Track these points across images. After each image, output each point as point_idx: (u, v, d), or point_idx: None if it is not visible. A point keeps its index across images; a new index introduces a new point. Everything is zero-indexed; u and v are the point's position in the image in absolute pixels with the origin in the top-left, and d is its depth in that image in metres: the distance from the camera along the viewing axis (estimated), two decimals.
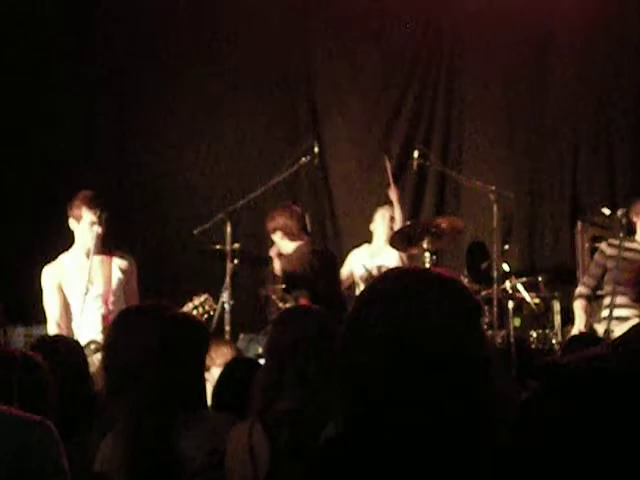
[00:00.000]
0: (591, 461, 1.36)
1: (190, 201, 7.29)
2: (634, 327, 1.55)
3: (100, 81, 7.95)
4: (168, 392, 2.68)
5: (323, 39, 8.36)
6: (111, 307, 5.54)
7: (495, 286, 6.60)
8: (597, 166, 7.89)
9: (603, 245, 6.32)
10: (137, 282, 5.73)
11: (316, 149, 7.27)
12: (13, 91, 7.69)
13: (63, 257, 5.65)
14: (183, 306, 5.34)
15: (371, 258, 7.22)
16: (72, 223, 5.58)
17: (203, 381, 2.84)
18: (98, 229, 5.50)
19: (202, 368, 2.84)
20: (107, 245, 5.63)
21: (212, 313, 5.54)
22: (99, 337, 5.34)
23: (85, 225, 5.52)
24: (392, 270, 1.86)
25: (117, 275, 5.61)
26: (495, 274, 6.63)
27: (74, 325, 5.54)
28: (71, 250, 5.65)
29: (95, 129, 8.00)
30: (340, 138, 8.30)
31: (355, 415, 1.63)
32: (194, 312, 5.31)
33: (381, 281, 1.71)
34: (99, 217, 5.49)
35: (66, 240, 5.67)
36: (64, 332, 5.41)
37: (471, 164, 7.98)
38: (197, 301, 5.46)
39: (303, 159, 7.24)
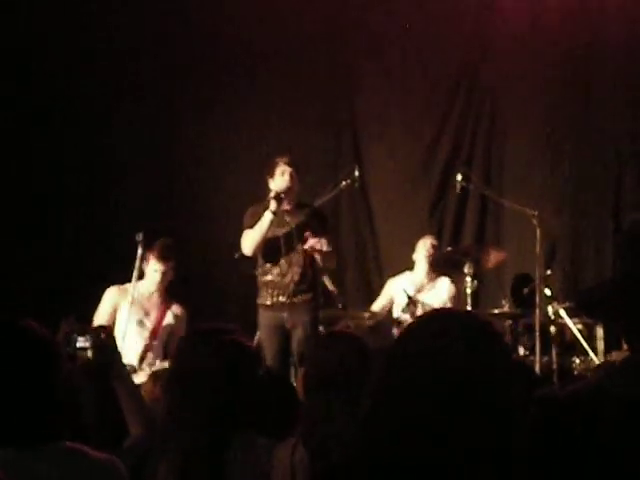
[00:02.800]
0: None
1: (231, 225, 7.29)
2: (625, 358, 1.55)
3: (148, 116, 8.02)
4: (224, 414, 2.72)
5: (364, 62, 8.38)
6: (155, 342, 5.95)
7: (537, 311, 6.54)
8: None
9: None
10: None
11: (357, 173, 7.27)
12: (60, 111, 7.78)
13: (128, 285, 6.04)
14: None
15: (414, 288, 7.16)
16: (144, 263, 6.05)
17: (254, 405, 2.86)
18: (157, 277, 6.02)
19: (255, 392, 2.85)
20: (169, 291, 6.13)
21: None
22: (135, 362, 5.80)
23: (150, 270, 6.04)
24: (447, 319, 1.74)
25: (169, 320, 6.04)
26: (537, 299, 6.57)
27: None
28: (139, 283, 6.07)
29: (142, 154, 8.06)
30: (381, 162, 8.30)
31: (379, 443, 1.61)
32: None
33: (438, 331, 1.64)
34: (163, 268, 6.01)
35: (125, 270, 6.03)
36: None
37: (513, 188, 7.93)
38: None
39: (344, 183, 7.24)
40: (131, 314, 5.90)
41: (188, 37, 8.12)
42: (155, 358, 5.84)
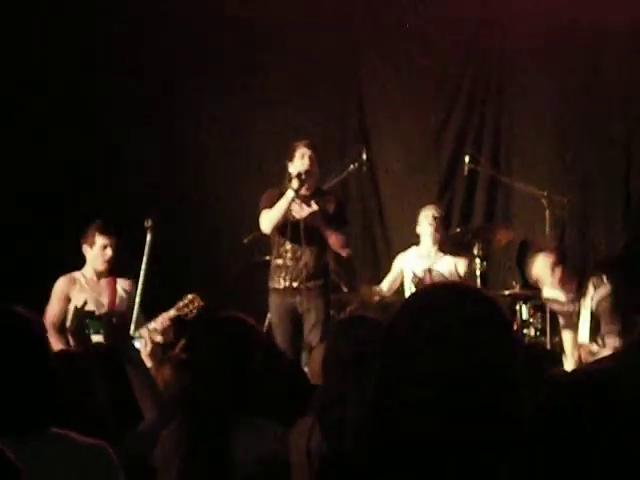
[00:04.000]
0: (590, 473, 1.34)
1: (240, 210, 7.30)
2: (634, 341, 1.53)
3: (148, 97, 7.99)
4: (229, 397, 2.77)
5: (372, 47, 8.35)
6: None
7: None
8: None
9: None
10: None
11: (364, 156, 7.26)
12: (56, 106, 7.77)
13: (76, 274, 6.24)
14: (171, 309, 5.70)
15: (420, 261, 7.12)
16: (85, 249, 6.22)
17: (261, 388, 2.89)
18: (109, 252, 6.15)
19: (261, 375, 2.89)
20: (113, 268, 6.25)
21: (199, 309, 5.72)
22: None
23: (97, 249, 6.17)
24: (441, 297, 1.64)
25: (121, 295, 6.17)
26: None
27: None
28: (83, 270, 6.26)
29: (144, 141, 8.04)
30: (389, 145, 8.28)
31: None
32: (182, 312, 5.69)
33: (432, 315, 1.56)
34: (111, 242, 6.15)
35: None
36: (55, 336, 5.85)
37: (522, 169, 7.91)
38: (186, 300, 5.75)
39: (351, 166, 7.24)
40: (88, 302, 5.97)
41: (189, 24, 8.11)
42: None
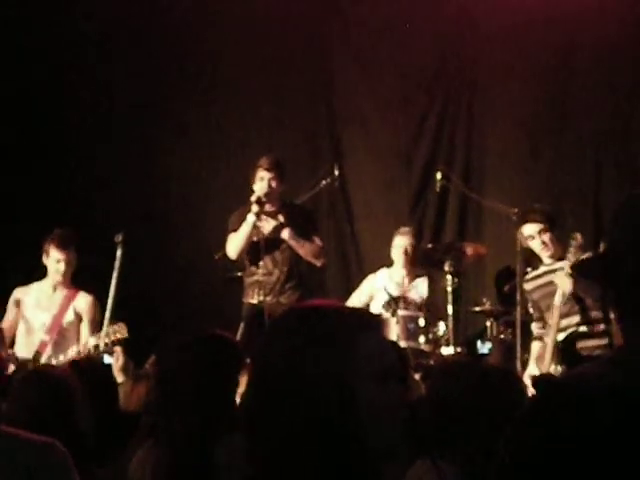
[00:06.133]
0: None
1: (211, 226, 7.28)
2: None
3: (122, 113, 7.98)
4: (213, 413, 2.78)
5: (343, 63, 8.37)
6: (55, 337, 6.00)
7: (518, 309, 6.54)
8: (621, 188, 7.81)
9: None
10: (95, 320, 6.07)
11: (336, 172, 7.27)
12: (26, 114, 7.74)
13: (35, 284, 6.17)
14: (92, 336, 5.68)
15: (394, 287, 7.09)
16: (44, 257, 6.09)
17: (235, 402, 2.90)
18: (62, 267, 6.03)
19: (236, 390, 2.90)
20: (73, 282, 6.15)
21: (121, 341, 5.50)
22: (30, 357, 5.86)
23: (52, 262, 6.05)
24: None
25: (72, 312, 6.07)
26: (518, 296, 6.57)
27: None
28: (42, 280, 6.16)
29: (117, 154, 8.02)
30: (361, 160, 8.29)
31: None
32: (105, 340, 5.51)
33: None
34: (65, 257, 6.02)
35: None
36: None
37: (493, 186, 7.93)
38: (110, 329, 5.58)
39: (323, 182, 7.24)
40: (36, 313, 6.02)
41: (154, 42, 8.14)
42: (57, 352, 5.81)
